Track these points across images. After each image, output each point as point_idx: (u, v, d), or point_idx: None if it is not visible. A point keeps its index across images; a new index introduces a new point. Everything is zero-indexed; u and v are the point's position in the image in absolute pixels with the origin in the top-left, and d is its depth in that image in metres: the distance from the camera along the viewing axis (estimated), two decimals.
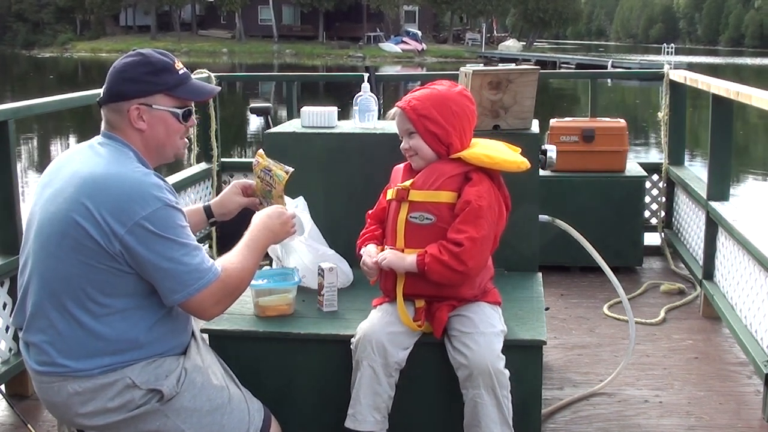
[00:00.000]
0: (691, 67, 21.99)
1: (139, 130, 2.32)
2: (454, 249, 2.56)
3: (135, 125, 2.31)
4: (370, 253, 2.72)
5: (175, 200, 2.26)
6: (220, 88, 2.68)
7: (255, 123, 18.32)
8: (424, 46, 63.46)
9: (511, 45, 65.58)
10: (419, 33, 66.52)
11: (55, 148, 16.80)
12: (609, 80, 27.96)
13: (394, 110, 2.75)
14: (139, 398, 2.26)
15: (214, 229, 5.30)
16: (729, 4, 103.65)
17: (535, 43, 74.88)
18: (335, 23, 67.19)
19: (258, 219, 2.54)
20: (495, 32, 74.41)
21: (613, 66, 42.83)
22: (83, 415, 2.27)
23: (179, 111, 2.37)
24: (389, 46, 62.38)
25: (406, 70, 46.40)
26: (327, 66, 50.66)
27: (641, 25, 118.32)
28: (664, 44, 55.63)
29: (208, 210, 2.79)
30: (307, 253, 3.10)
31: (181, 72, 2.37)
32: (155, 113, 2.33)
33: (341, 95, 16.26)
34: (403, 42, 63.42)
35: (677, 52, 55.30)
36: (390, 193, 2.77)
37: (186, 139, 2.47)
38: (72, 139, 17.58)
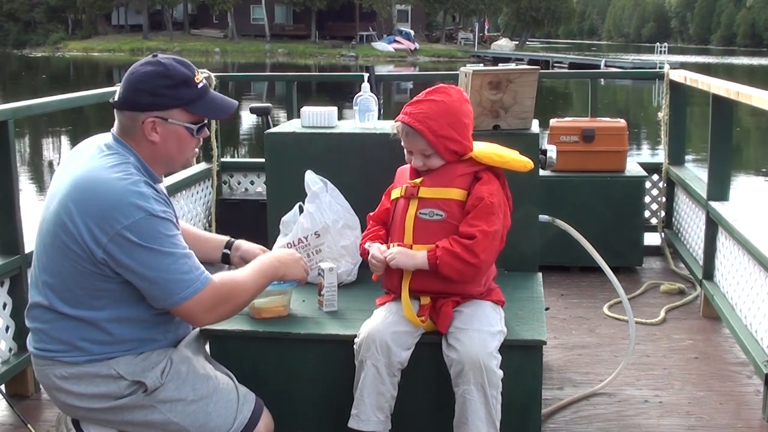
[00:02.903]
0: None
1: (152, 142, 2.30)
2: (466, 242, 2.56)
3: (148, 137, 2.29)
4: (379, 248, 2.69)
5: (161, 210, 2.22)
6: (237, 102, 2.55)
7: (249, 122, 18.29)
8: (416, 45, 63.48)
9: (504, 44, 65.58)
10: (412, 32, 66.51)
11: (48, 149, 16.75)
12: (602, 80, 27.96)
13: (400, 127, 2.69)
14: (124, 389, 2.29)
15: (214, 221, 5.39)
16: (721, 3, 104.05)
17: (527, 43, 74.98)
18: (327, 22, 67.14)
19: (270, 252, 2.64)
20: (487, 31, 74.47)
21: (606, 65, 42.87)
22: (75, 396, 2.30)
23: (194, 126, 2.34)
24: (382, 46, 62.36)
25: (398, 69, 46.41)
26: (320, 65, 50.60)
27: (633, 25, 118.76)
28: (657, 44, 55.63)
29: (229, 245, 2.77)
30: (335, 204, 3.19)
31: (200, 85, 2.33)
32: (170, 127, 2.30)
33: (335, 96, 16.25)
34: (395, 41, 63.39)
35: (669, 51, 55.35)
36: (397, 192, 2.77)
37: (196, 149, 2.44)
38: (65, 139, 17.53)
